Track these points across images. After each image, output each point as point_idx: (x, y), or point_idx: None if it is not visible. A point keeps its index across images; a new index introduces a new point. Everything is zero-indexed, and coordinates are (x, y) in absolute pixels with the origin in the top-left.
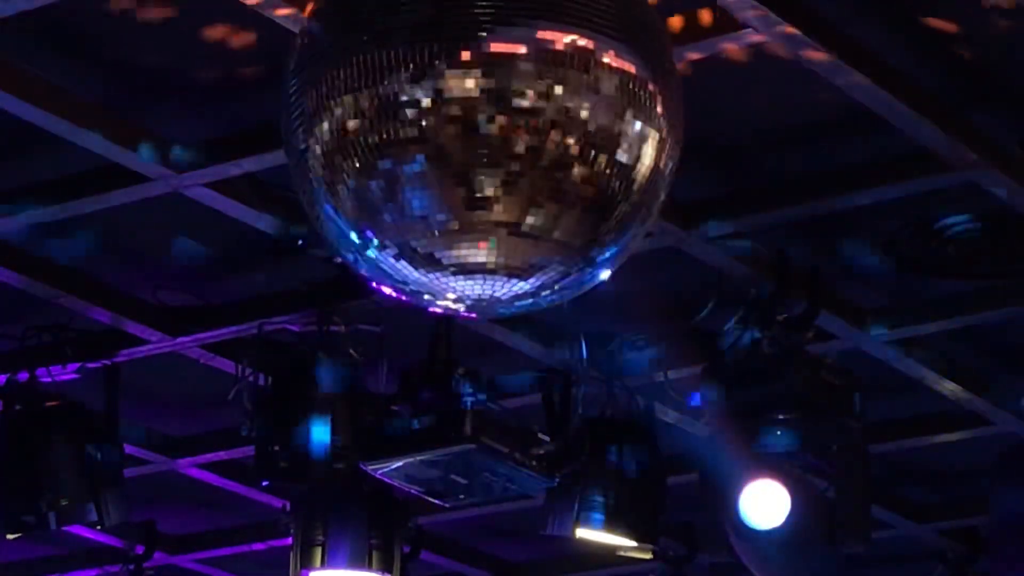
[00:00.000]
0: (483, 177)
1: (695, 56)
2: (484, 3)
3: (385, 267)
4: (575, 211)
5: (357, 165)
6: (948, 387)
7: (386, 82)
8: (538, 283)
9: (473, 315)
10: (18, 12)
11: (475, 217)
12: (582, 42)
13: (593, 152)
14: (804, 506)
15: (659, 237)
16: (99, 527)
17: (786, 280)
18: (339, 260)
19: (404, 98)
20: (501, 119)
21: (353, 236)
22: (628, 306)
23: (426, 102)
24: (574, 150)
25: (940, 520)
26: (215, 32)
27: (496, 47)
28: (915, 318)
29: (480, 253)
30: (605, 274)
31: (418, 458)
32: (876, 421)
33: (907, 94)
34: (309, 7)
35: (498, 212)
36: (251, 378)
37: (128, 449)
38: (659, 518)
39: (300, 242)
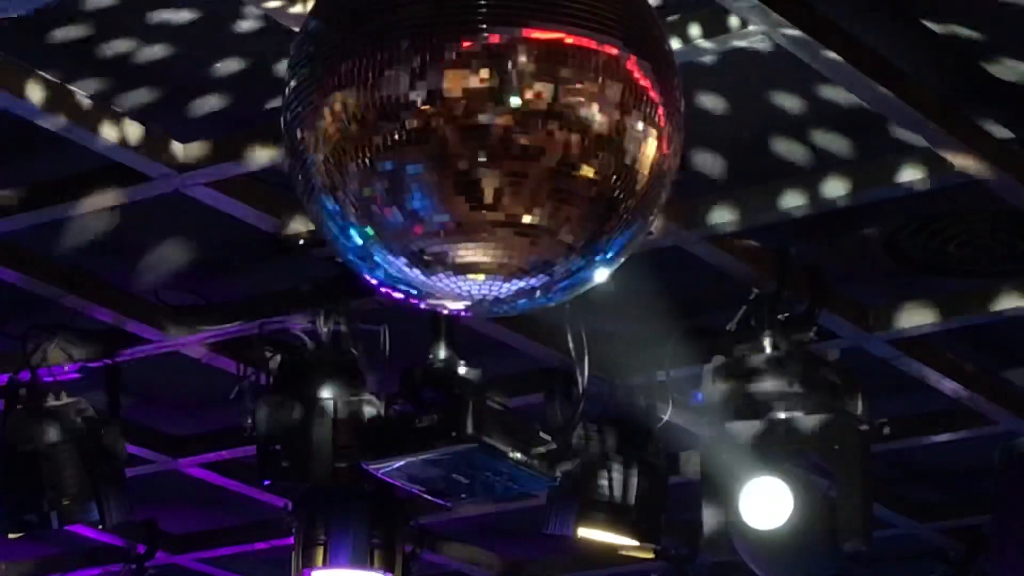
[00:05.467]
0: (484, 177)
1: (696, 55)
2: (484, 2)
3: (386, 267)
4: (576, 210)
5: (357, 165)
6: (949, 386)
7: (386, 82)
8: (539, 282)
9: (474, 314)
10: (23, 12)
11: (476, 217)
12: (583, 42)
13: (594, 152)
14: (806, 505)
15: (662, 237)
16: (101, 526)
17: (787, 279)
18: (340, 260)
19: (404, 98)
20: (502, 119)
21: (354, 236)
22: (629, 305)
23: (426, 102)
24: (575, 150)
25: (942, 519)
26: (217, 31)
27: (497, 46)
28: (917, 317)
29: (481, 252)
30: (606, 273)
31: (420, 457)
32: (878, 420)
33: (908, 93)
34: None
35: (499, 212)
36: (253, 377)
37: (130, 448)
38: (661, 517)
39: (301, 241)
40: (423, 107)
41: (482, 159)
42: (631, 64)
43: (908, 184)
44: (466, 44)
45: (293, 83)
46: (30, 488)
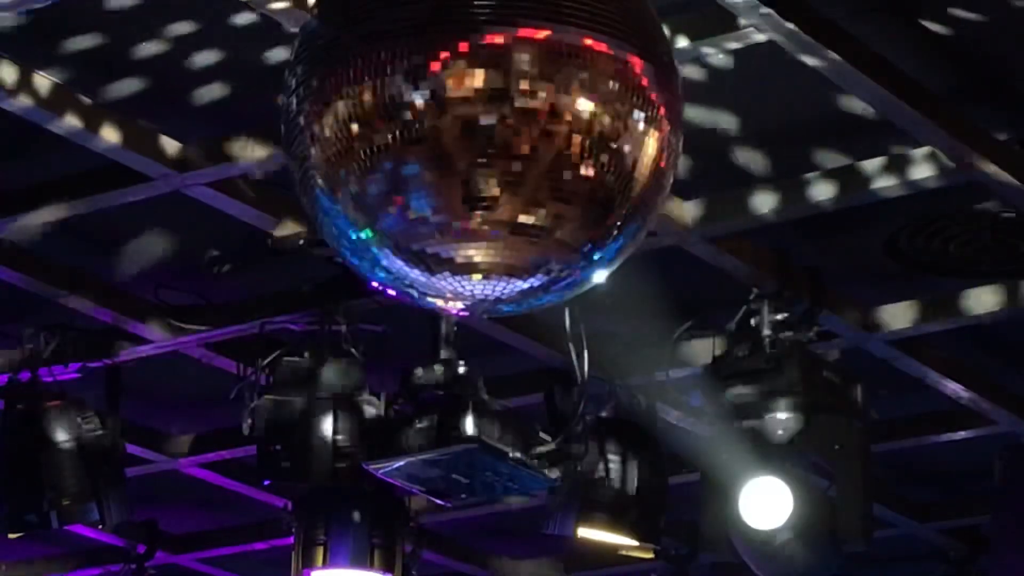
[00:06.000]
0: (483, 177)
1: (697, 54)
2: (484, 2)
3: (386, 266)
4: (576, 210)
5: (357, 166)
6: (950, 386)
7: (386, 82)
8: (538, 282)
9: (473, 314)
10: (21, 12)
11: (476, 217)
12: (582, 41)
13: (594, 151)
14: (805, 505)
15: (660, 236)
16: (101, 526)
17: (788, 279)
18: (340, 260)
19: (404, 98)
20: (501, 119)
21: (353, 236)
22: (629, 305)
23: (426, 102)
24: (575, 149)
25: (942, 519)
26: (217, 30)
27: (496, 46)
28: (917, 317)
29: (481, 253)
30: (606, 273)
31: (420, 457)
32: (878, 420)
33: (908, 93)
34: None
35: (499, 212)
36: (253, 377)
37: (130, 448)
38: (661, 517)
39: (301, 241)
40: (422, 107)
41: (481, 159)
42: (632, 64)
43: (908, 183)
44: (465, 44)
45: (293, 83)
46: (30, 488)
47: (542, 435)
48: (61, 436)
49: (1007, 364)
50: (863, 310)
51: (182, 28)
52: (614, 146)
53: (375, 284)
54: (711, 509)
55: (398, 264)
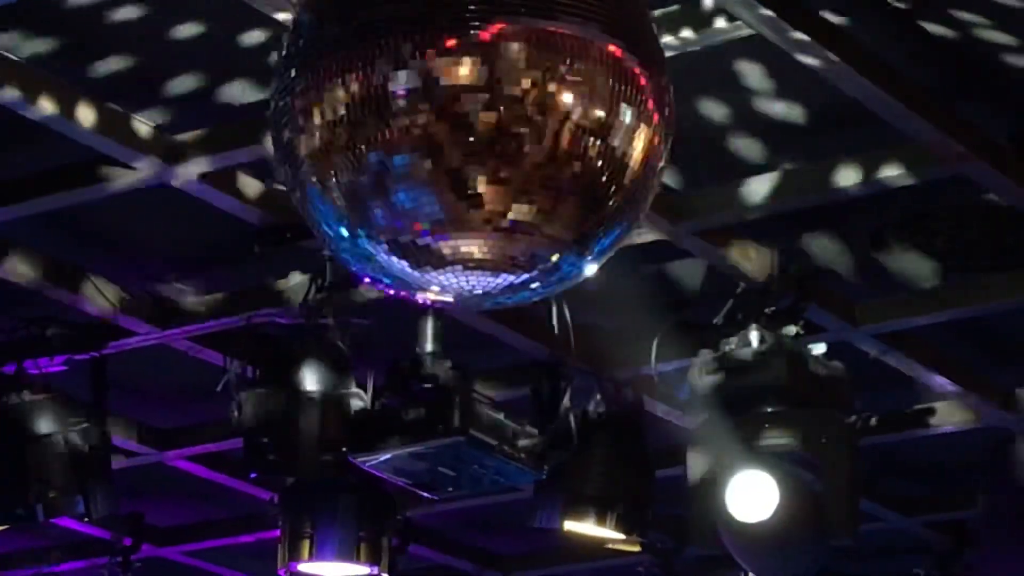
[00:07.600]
0: (473, 170)
1: (689, 48)
2: None
3: (375, 260)
4: (566, 204)
5: (346, 159)
6: (936, 380)
7: (375, 74)
8: (528, 276)
9: (462, 308)
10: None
11: (465, 211)
12: (573, 34)
13: (584, 145)
14: (792, 499)
15: (649, 230)
16: (87, 519)
17: (775, 273)
18: (329, 253)
19: (393, 91)
20: (491, 112)
21: (342, 230)
22: (617, 299)
23: (416, 95)
24: (565, 143)
25: (927, 513)
26: (211, 26)
27: (486, 39)
28: (903, 311)
29: (470, 246)
30: (595, 267)
31: (407, 450)
32: (864, 414)
33: (898, 88)
34: None
35: (488, 205)
36: (239, 370)
37: (116, 441)
38: (648, 511)
39: (289, 234)
40: (412, 100)
41: (471, 153)
42: (621, 58)
43: (896, 178)
44: (456, 38)
45: (283, 76)
46: (16, 481)
47: (529, 428)
48: (47, 429)
49: (993, 358)
50: (850, 304)
51: (176, 22)
52: (604, 140)
53: (363, 277)
54: (698, 503)
55: (387, 257)
